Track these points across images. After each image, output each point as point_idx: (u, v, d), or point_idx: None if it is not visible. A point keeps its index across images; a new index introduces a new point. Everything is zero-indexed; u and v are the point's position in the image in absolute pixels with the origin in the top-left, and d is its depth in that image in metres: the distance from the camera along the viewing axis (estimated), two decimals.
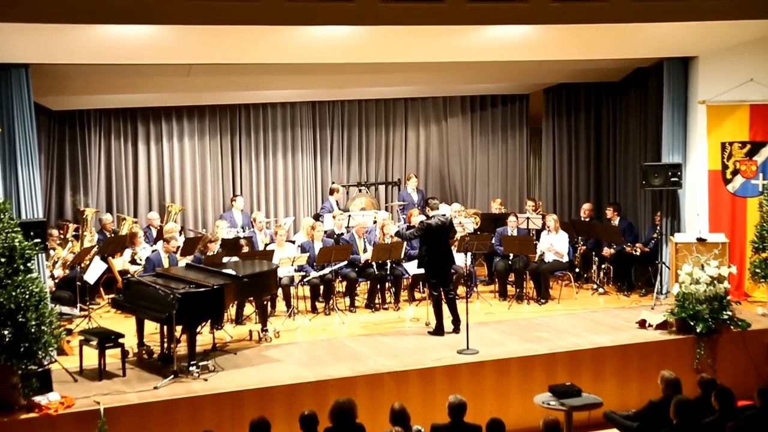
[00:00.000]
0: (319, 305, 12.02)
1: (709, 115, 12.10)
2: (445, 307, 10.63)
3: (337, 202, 14.60)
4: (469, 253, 11.61)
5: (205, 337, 10.22)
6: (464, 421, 7.11)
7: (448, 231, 10.86)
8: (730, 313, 10.32)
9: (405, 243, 12.23)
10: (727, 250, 11.39)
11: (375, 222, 13.24)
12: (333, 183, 15.41)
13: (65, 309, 10.67)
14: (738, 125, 12.11)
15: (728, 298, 10.50)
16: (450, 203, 14.78)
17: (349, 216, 13.65)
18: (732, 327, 10.32)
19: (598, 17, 10.30)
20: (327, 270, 11.75)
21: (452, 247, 11.23)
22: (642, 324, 10.69)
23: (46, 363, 8.35)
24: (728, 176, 12.16)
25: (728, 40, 11.54)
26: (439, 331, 10.58)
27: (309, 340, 10.58)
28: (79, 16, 9.00)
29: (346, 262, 11.95)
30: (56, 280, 11.37)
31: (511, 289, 12.69)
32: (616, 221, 13.12)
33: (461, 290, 12.09)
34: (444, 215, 10.94)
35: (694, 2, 10.40)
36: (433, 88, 15.78)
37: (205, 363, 9.23)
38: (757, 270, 11.15)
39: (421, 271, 11.68)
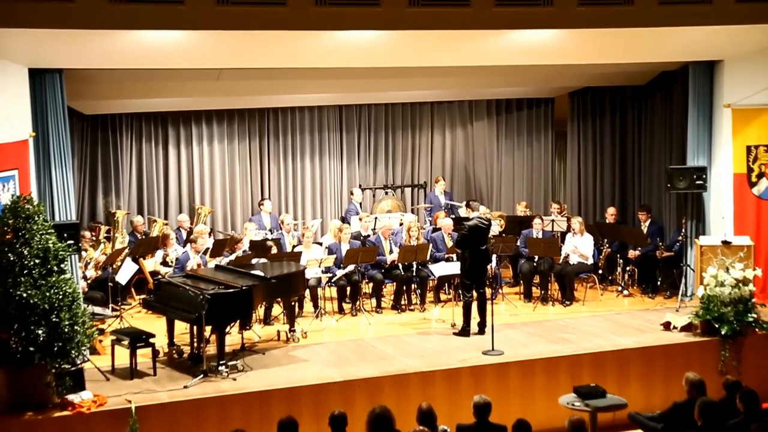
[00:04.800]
0: (346, 306, 12.10)
1: (734, 119, 12.06)
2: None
3: (359, 203, 14.72)
4: (494, 255, 11.66)
5: (233, 338, 10.37)
6: (489, 421, 7.17)
7: (487, 231, 10.90)
8: (755, 316, 10.32)
9: (431, 245, 12.32)
10: (752, 252, 11.36)
11: (401, 224, 13.34)
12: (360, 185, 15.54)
13: (98, 309, 10.82)
14: (763, 128, 12.06)
15: (753, 300, 10.47)
16: None
17: (376, 218, 13.75)
18: (757, 329, 10.32)
19: (623, 21, 10.32)
20: (351, 267, 11.84)
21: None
22: (667, 326, 10.70)
23: (79, 362, 8.49)
24: (753, 179, 12.12)
25: (754, 43, 11.51)
26: (464, 332, 10.65)
27: (336, 340, 10.68)
28: (112, 22, 9.17)
29: (371, 264, 12.07)
30: (89, 281, 11.52)
31: (536, 291, 12.73)
32: (646, 224, 13.12)
33: (486, 292, 12.14)
34: (482, 215, 10.95)
35: (719, 6, 10.40)
36: (459, 91, 15.82)
37: (234, 363, 9.34)
38: None
39: (446, 272, 11.76)
